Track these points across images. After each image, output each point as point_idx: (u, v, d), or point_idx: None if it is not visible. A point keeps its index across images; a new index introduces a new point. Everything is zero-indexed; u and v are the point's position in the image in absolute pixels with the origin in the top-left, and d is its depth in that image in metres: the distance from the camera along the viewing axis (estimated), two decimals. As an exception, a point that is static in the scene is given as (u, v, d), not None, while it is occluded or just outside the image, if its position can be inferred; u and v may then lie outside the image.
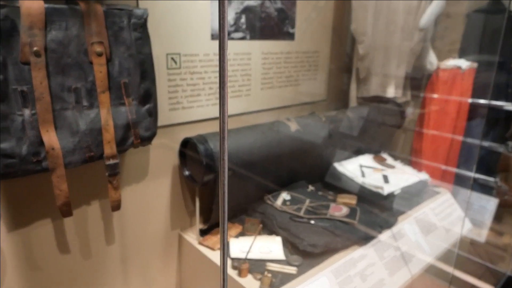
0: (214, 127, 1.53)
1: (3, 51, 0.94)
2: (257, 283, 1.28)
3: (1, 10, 0.93)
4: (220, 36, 0.53)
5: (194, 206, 1.57)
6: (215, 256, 1.41)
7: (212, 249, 1.44)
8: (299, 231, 1.44)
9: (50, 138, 1.02)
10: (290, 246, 1.44)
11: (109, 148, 1.13)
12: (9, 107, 0.96)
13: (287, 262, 1.36)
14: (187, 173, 1.45)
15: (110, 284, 1.42)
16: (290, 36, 1.76)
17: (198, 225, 1.49)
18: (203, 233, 1.52)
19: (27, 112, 0.99)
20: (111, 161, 1.14)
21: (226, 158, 0.55)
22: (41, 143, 1.01)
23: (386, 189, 1.68)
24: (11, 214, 1.14)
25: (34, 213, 1.19)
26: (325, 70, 2.00)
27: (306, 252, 1.38)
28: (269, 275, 1.29)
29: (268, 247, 1.43)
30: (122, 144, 1.17)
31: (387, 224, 1.57)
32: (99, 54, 1.08)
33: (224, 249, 0.60)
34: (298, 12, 1.75)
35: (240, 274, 1.31)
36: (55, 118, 1.04)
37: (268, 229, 1.52)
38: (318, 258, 1.38)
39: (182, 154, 1.46)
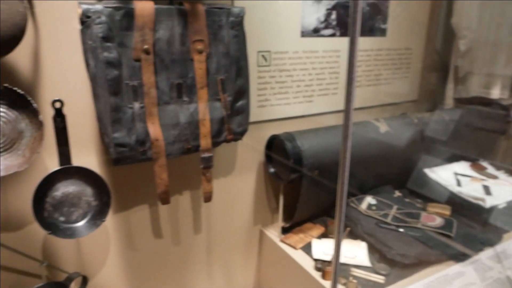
0: (301, 125, 1.51)
1: (119, 49, 1.04)
2: (341, 288, 1.23)
3: (119, 11, 1.02)
4: (352, 33, 0.51)
5: (276, 203, 1.57)
6: (296, 255, 1.39)
7: (294, 247, 1.43)
8: (387, 238, 1.36)
9: (155, 130, 1.10)
10: (376, 253, 1.36)
11: (205, 142, 1.18)
12: (121, 100, 1.06)
13: (373, 270, 1.30)
14: (272, 170, 1.46)
15: (195, 271, 1.49)
16: (382, 32, 1.67)
17: (281, 223, 1.49)
18: (284, 231, 1.51)
19: (136, 105, 1.07)
20: (206, 154, 1.19)
21: (348, 156, 0.52)
22: (146, 134, 1.09)
23: (488, 202, 1.50)
24: (117, 197, 1.25)
25: (135, 198, 1.29)
26: (417, 68, 1.86)
27: (394, 262, 1.30)
28: (355, 281, 1.23)
29: (352, 252, 1.37)
30: (216, 138, 1.21)
31: (490, 242, 1.40)
32: (200, 52, 1.13)
33: (338, 249, 0.58)
34: (391, 6, 1.65)
35: (323, 276, 1.28)
36: (159, 111, 1.11)
37: (352, 233, 1.46)
38: (407, 270, 1.29)
39: (268, 151, 1.47)
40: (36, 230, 1.17)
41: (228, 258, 1.56)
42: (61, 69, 1.08)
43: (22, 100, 0.97)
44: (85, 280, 1.16)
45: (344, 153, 0.55)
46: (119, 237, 1.30)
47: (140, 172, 1.26)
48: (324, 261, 1.33)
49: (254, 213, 1.55)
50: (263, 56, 1.39)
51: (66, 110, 1.03)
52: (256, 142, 1.46)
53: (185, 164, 1.32)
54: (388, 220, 1.44)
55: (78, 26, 1.06)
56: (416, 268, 1.30)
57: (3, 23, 0.89)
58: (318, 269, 1.31)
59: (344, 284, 1.23)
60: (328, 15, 1.50)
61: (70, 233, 1.05)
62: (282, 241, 1.47)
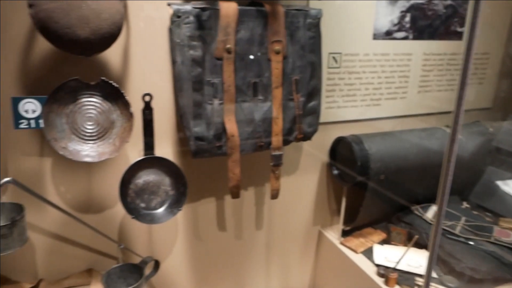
0: (367, 128, 1.49)
1: (203, 47, 1.09)
2: (405, 297, 1.21)
3: (205, 12, 1.07)
4: (470, 36, 0.50)
5: (337, 205, 1.57)
6: (357, 259, 1.38)
7: (355, 251, 1.41)
8: (455, 250, 1.31)
9: (232, 126, 1.14)
10: (443, 264, 1.31)
11: (277, 140, 1.21)
12: (202, 96, 1.11)
13: (440, 282, 1.25)
14: (336, 172, 1.45)
15: (253, 265, 1.53)
16: (458, 36, 1.60)
17: (341, 226, 1.48)
18: (344, 234, 1.50)
19: (216, 101, 1.12)
20: (277, 152, 1.22)
21: (453, 161, 0.52)
22: (223, 130, 1.14)
23: None
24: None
25: (203, 191, 1.34)
26: (493, 74, 1.76)
27: (463, 275, 1.24)
28: (421, 291, 1.20)
29: (417, 261, 1.34)
30: (286, 137, 1.23)
31: None
32: (277, 52, 1.16)
33: (432, 260, 0.58)
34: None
35: (387, 282, 1.25)
36: (236, 108, 1.15)
37: (416, 242, 1.42)
38: (477, 285, 1.23)
39: (333, 153, 1.46)
40: (114, 215, 1.26)
41: (286, 256, 1.58)
42: (146, 65, 1.15)
43: (115, 93, 1.05)
44: (157, 264, 1.23)
45: (449, 157, 0.54)
46: (186, 226, 1.36)
47: (209, 167, 1.31)
48: (387, 267, 1.31)
49: (314, 214, 1.56)
50: (333, 57, 1.39)
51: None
52: (321, 143, 1.46)
53: (253, 161, 1.35)
54: (456, 231, 1.39)
55: (165, 25, 1.13)
56: (488, 285, 1.24)
57: (105, 22, 0.97)
58: (381, 275, 1.29)
59: (409, 293, 1.21)
60: (402, 17, 1.47)
61: (149, 219, 1.12)
62: (342, 243, 1.46)
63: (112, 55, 1.11)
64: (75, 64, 1.06)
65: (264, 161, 1.36)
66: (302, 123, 1.24)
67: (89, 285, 1.21)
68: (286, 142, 1.24)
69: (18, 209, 1.04)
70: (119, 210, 1.26)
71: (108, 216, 1.25)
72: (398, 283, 1.25)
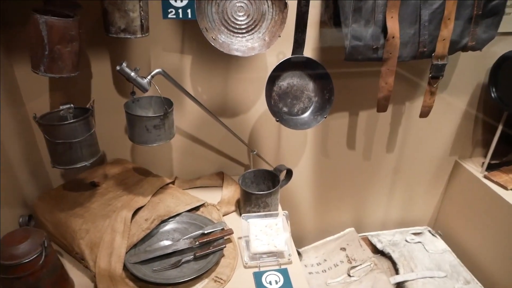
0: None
1: None
2: None
3: None
4: None
5: (483, 135, 1.37)
6: (507, 195, 1.21)
7: (504, 187, 1.24)
8: None
9: (393, 25, 0.97)
10: None
11: (442, 47, 1.02)
12: (366, -13, 0.94)
13: None
14: (496, 94, 1.23)
15: (376, 189, 1.45)
16: None
17: (489, 158, 1.29)
18: (488, 168, 1.32)
19: (381, -6, 0.95)
20: (439, 62, 1.04)
21: None
22: (383, 29, 0.98)
23: None
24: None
25: (336, 104, 1.22)
26: None
27: None
28: None
29: None
30: (453, 45, 1.03)
31: None
32: None
33: None
34: None
35: (549, 224, 1.09)
36: (400, 4, 0.97)
37: None
38: None
39: (494, 72, 1.23)
40: (246, 122, 1.22)
41: (412, 185, 1.46)
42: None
43: (267, -20, 0.93)
44: (290, 173, 1.19)
45: None
46: (315, 141, 1.30)
47: (347, 78, 1.18)
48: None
49: (453, 142, 1.38)
50: None
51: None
52: (481, 58, 1.22)
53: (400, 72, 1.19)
54: None
55: None
56: None
57: None
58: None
59: None
60: None
61: (292, 124, 1.05)
62: (486, 177, 1.29)
63: None
64: None
65: (407, 75, 1.20)
66: (478, 26, 1.02)
67: (220, 187, 1.23)
68: (451, 50, 1.04)
69: (166, 103, 1.03)
70: (251, 116, 1.22)
71: (240, 122, 1.22)
72: None
